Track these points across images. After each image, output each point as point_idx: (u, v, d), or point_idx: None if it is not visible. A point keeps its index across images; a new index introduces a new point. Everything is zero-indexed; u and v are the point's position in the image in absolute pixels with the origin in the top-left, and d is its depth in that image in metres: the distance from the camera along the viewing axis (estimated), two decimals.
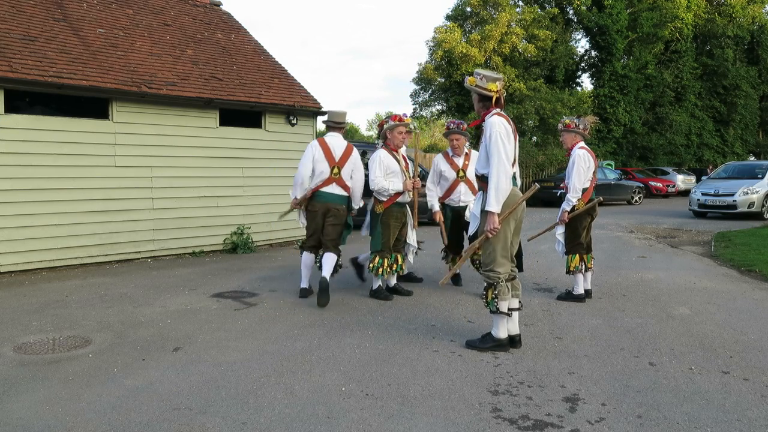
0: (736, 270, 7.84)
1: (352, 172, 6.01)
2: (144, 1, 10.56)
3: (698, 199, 15.86)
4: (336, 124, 6.10)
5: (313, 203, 5.93)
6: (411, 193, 5.99)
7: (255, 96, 9.61)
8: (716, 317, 5.37)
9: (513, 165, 4.21)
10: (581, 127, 6.08)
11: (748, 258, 8.43)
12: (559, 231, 6.07)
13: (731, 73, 32.40)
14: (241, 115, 9.67)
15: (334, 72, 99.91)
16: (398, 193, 5.87)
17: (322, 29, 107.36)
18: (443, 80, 29.77)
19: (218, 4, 12.14)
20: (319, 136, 6.72)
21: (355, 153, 6.07)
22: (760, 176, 15.74)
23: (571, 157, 5.94)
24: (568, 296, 6.02)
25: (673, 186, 26.25)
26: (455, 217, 6.35)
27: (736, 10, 32.30)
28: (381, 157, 5.87)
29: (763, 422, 3.20)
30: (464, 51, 27.13)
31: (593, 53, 31.05)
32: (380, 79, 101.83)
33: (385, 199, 5.87)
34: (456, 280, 6.65)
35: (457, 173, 6.24)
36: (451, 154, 6.34)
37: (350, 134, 42.95)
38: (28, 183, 7.36)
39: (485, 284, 4.32)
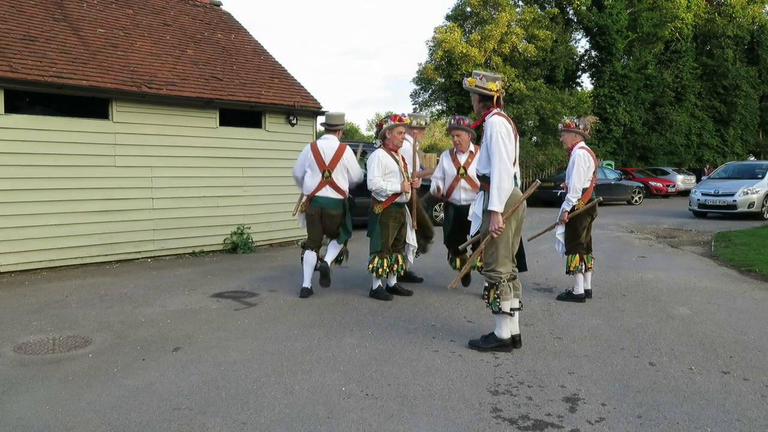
0: (736, 270, 7.84)
1: (347, 171, 6.08)
2: (144, 1, 10.56)
3: (698, 199, 15.87)
4: (331, 126, 6.15)
5: (309, 207, 6.11)
6: (409, 195, 5.98)
7: (255, 96, 9.61)
8: (716, 317, 5.37)
9: (514, 165, 4.21)
10: (581, 127, 6.08)
11: (748, 258, 8.43)
12: (559, 231, 6.07)
13: (731, 73, 32.40)
14: (241, 115, 9.67)
15: (334, 72, 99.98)
16: (396, 194, 5.88)
17: (322, 29, 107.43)
18: (443, 80, 29.77)
19: (218, 4, 12.14)
20: (319, 136, 6.73)
21: (348, 151, 6.11)
22: (760, 176, 15.75)
23: (571, 157, 5.94)
24: (568, 296, 6.02)
25: (673, 186, 26.25)
26: (457, 215, 6.33)
27: (736, 10, 32.30)
28: (380, 156, 5.85)
29: (763, 422, 3.20)
30: (464, 51, 27.13)
31: (593, 53, 31.06)
32: (380, 79, 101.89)
33: (383, 200, 5.87)
34: (465, 281, 6.60)
35: (458, 170, 6.23)
36: (455, 151, 6.33)
37: (350, 134, 42.91)
38: (28, 183, 7.36)
39: (486, 284, 4.32)
